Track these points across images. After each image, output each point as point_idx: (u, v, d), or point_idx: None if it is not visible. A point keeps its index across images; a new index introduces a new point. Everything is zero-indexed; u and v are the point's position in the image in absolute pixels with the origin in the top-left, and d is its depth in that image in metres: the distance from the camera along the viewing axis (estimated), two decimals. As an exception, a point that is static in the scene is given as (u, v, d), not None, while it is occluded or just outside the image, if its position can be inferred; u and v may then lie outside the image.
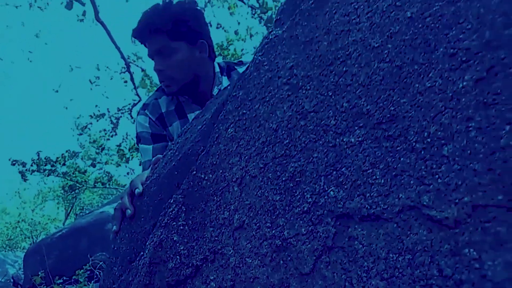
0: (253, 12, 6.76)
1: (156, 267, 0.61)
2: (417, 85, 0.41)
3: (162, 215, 0.67)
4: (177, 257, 0.58)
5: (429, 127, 0.38)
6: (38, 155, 7.92)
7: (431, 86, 0.40)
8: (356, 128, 0.45)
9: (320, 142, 0.47)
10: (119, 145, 8.49)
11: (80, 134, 10.27)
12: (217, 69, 1.28)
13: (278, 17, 0.66)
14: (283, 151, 0.51)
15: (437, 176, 0.36)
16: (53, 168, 8.53)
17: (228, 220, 0.55)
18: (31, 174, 8.61)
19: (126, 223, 0.91)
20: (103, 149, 10.02)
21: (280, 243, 0.46)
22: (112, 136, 9.34)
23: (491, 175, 0.33)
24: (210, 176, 0.61)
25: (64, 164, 8.85)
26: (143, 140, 1.28)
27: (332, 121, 0.48)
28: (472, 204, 0.33)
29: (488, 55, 0.38)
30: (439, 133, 0.37)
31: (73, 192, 9.75)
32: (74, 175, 9.15)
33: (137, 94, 7.17)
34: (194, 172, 0.64)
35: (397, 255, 0.36)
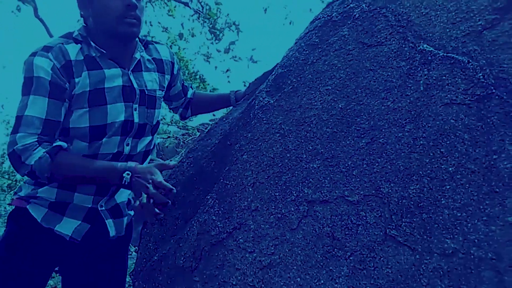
0: (198, 17, 7.25)
1: (202, 235, 1.06)
2: (348, 141, 0.93)
3: (202, 205, 1.12)
4: (217, 228, 1.04)
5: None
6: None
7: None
8: (315, 159, 0.95)
9: (298, 167, 0.97)
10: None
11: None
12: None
13: (268, 89, 1.15)
14: (278, 170, 1.00)
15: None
16: (-10, 168, 8.11)
17: (247, 207, 1.02)
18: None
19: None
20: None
21: (280, 216, 0.95)
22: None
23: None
24: (233, 182, 1.08)
25: (2, 163, 8.45)
26: (39, 88, 1.08)
27: (303, 155, 0.98)
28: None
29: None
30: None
31: (11, 192, 9.30)
32: (13, 174, 8.75)
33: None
34: (222, 180, 1.11)
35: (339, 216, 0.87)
